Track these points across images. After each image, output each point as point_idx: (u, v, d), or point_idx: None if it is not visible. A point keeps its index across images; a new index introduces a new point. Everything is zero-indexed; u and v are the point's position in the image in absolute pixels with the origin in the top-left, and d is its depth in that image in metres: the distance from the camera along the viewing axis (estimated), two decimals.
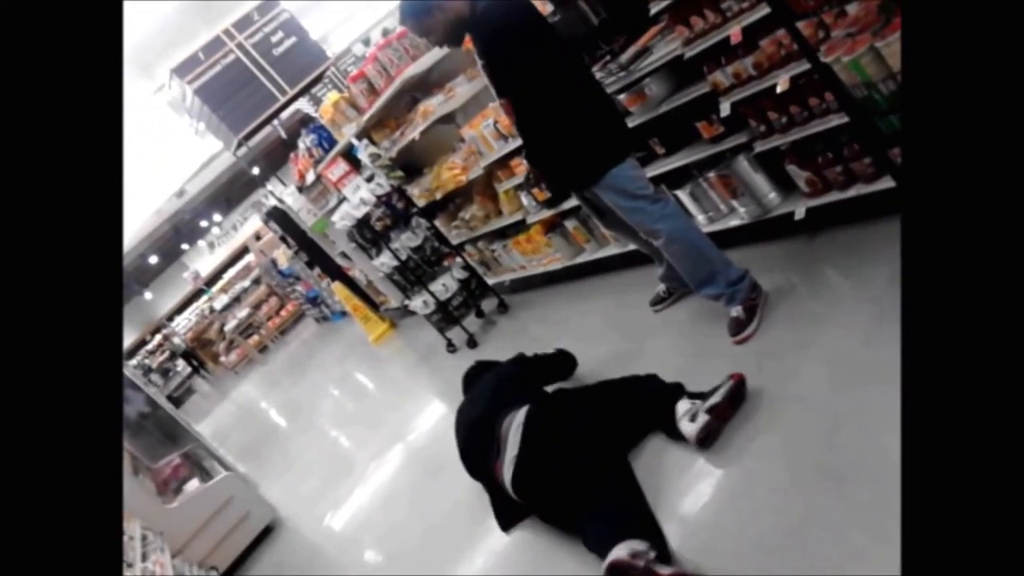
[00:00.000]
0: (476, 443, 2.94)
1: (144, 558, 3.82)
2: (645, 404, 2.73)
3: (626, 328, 3.84)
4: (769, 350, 2.81)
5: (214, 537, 4.68)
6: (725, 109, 3.22)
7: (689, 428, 2.50)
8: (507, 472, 2.70)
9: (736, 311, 2.97)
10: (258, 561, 4.70)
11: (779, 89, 2.91)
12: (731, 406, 2.51)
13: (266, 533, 4.90)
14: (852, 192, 3.01)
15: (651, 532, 2.25)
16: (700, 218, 3.84)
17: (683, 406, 2.57)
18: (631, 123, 3.73)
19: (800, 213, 3.23)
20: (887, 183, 2.84)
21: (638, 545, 2.12)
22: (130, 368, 7.70)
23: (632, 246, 3.76)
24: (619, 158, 2.94)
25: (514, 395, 2.96)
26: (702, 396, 2.57)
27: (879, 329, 2.40)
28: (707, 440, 2.48)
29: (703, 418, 2.48)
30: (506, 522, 2.91)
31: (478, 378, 3.43)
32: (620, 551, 2.11)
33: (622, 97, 3.63)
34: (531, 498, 2.73)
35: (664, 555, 2.15)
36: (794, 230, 3.33)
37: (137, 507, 4.46)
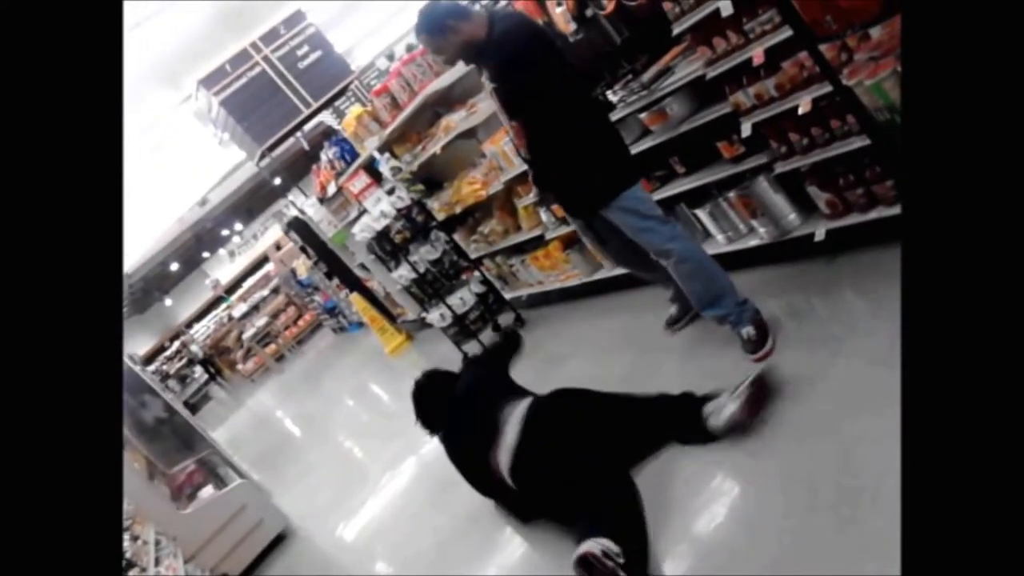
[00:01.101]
0: (474, 438, 2.92)
1: (157, 563, 3.85)
2: (659, 414, 2.70)
3: (642, 345, 3.83)
4: (786, 372, 2.80)
5: (227, 544, 4.70)
6: (746, 129, 3.23)
7: (718, 420, 2.50)
8: (504, 459, 2.71)
9: (747, 332, 2.98)
10: (269, 569, 4.72)
11: (801, 111, 2.92)
12: (760, 397, 2.50)
13: (278, 541, 4.91)
14: (873, 215, 3.00)
15: (633, 543, 2.23)
16: (719, 237, 3.83)
17: (709, 407, 2.56)
18: (652, 142, 3.75)
19: (820, 235, 3.22)
20: None
21: (613, 546, 2.11)
22: (148, 374, 7.76)
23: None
24: (631, 181, 3.00)
25: (506, 389, 2.99)
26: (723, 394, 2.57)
27: (898, 352, 2.38)
28: (736, 429, 2.47)
29: (732, 407, 2.47)
30: (522, 515, 2.91)
31: (441, 389, 3.31)
32: (593, 545, 2.10)
33: (643, 116, 3.65)
34: (529, 488, 2.73)
35: (638, 570, 2.14)
36: (814, 252, 3.31)
37: (151, 512, 4.50)
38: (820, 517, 2.05)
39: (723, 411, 2.50)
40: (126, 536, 3.70)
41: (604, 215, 3.04)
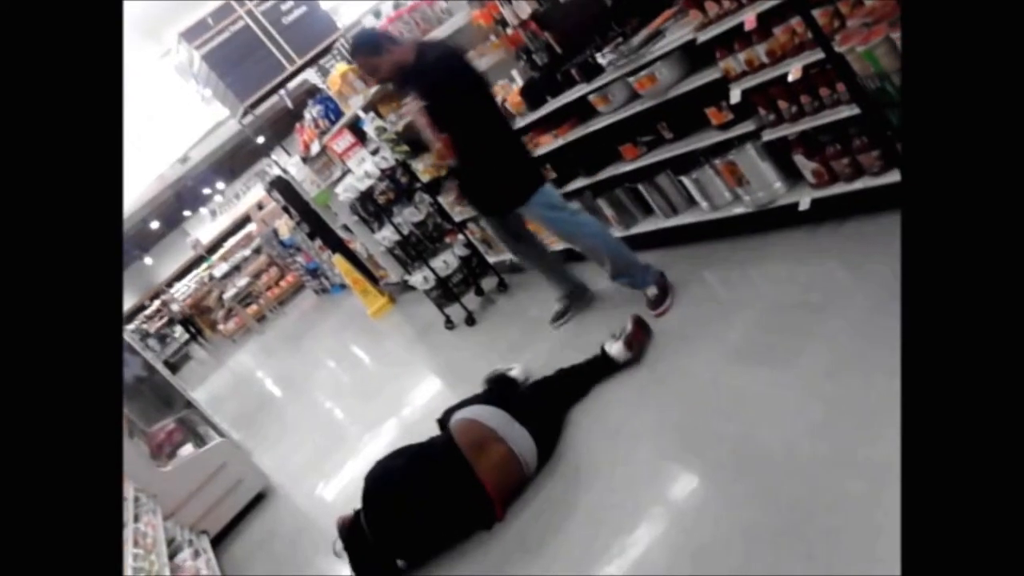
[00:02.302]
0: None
1: (136, 519, 3.85)
2: (580, 373, 3.29)
3: (622, 310, 3.83)
4: (769, 337, 2.82)
5: (206, 502, 4.71)
6: (735, 96, 3.20)
7: (615, 347, 3.20)
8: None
9: (651, 291, 3.54)
10: (249, 527, 4.73)
11: (791, 77, 2.89)
12: (642, 328, 3.27)
13: (258, 500, 4.93)
14: (859, 184, 3.00)
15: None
16: (704, 205, 3.83)
17: (607, 345, 3.24)
18: (640, 106, 3.72)
19: (805, 204, 3.22)
20: (894, 176, 2.83)
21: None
22: (128, 332, 7.70)
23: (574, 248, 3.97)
24: (543, 181, 3.56)
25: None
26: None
27: (878, 321, 2.40)
28: (631, 346, 3.19)
29: (623, 337, 3.20)
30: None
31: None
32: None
33: (632, 80, 3.61)
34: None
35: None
36: (798, 220, 3.32)
37: (131, 469, 4.48)
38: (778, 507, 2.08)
39: (615, 345, 3.20)
40: None
41: (523, 211, 3.54)
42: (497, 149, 3.48)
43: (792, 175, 3.37)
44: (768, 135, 3.25)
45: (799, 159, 3.20)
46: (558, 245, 4.50)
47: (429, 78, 3.34)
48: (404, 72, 3.38)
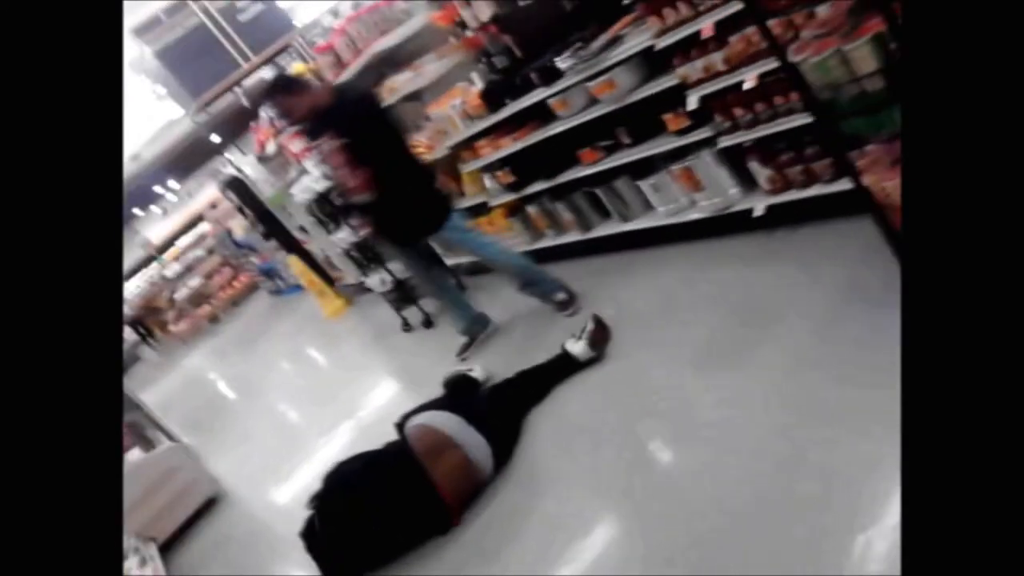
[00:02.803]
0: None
1: None
2: (542, 373, 3.32)
3: (582, 314, 3.85)
4: (726, 340, 2.86)
5: (154, 508, 4.58)
6: (693, 102, 3.24)
7: (578, 346, 3.24)
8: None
9: (559, 296, 3.85)
10: (200, 533, 4.62)
11: (747, 85, 2.94)
12: (602, 327, 3.30)
13: (209, 505, 4.82)
14: (812, 191, 3.06)
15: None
16: (661, 210, 3.86)
17: (569, 345, 3.28)
18: (599, 111, 3.74)
19: (760, 210, 3.27)
20: (846, 184, 2.88)
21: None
22: None
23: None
24: (452, 209, 3.82)
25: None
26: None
27: (831, 326, 2.46)
28: (595, 344, 3.23)
29: (585, 336, 3.24)
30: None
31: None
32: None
33: (591, 85, 3.63)
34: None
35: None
36: (753, 226, 3.37)
37: None
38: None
39: (578, 344, 3.24)
40: None
41: (439, 236, 3.79)
42: (413, 182, 3.70)
43: (747, 181, 3.43)
44: (724, 142, 3.29)
45: (754, 166, 3.26)
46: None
47: (350, 114, 3.50)
48: (320, 114, 3.47)
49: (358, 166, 3.45)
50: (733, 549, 1.95)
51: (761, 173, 3.23)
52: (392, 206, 3.63)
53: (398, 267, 5.35)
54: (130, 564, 3.79)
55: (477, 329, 4.21)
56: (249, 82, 8.12)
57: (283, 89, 3.53)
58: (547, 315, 4.13)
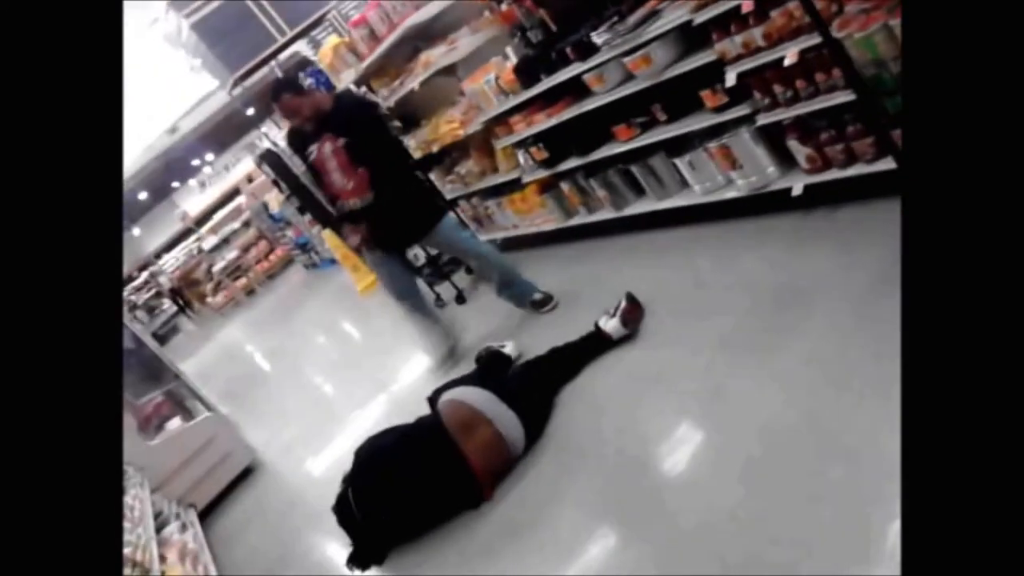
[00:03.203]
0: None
1: (124, 492, 3.85)
2: (573, 351, 3.31)
3: (612, 292, 3.84)
4: (760, 322, 2.83)
5: (194, 476, 4.71)
6: (731, 79, 3.18)
7: (611, 323, 3.25)
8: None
9: (536, 296, 4.01)
10: (237, 501, 4.74)
11: (787, 62, 2.88)
12: (636, 304, 3.30)
13: (246, 474, 4.93)
14: (852, 171, 3.00)
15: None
16: (697, 188, 3.82)
17: (602, 322, 3.29)
18: (635, 87, 3.70)
19: (798, 189, 3.22)
20: (888, 164, 2.82)
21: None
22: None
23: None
24: (446, 210, 3.99)
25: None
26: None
27: (870, 307, 2.42)
28: (627, 323, 3.24)
29: (619, 314, 3.24)
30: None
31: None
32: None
33: (627, 60, 3.58)
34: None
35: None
36: (790, 206, 3.32)
37: None
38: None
39: (611, 321, 3.25)
40: None
41: (435, 234, 3.84)
42: (409, 182, 3.89)
43: (786, 160, 3.37)
44: (763, 119, 3.23)
45: (793, 144, 3.19)
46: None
47: (351, 116, 3.65)
48: (322, 116, 3.57)
49: (357, 166, 3.57)
50: (760, 530, 1.94)
51: (800, 152, 3.17)
52: (389, 207, 3.68)
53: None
54: (171, 529, 3.90)
55: (453, 342, 4.25)
56: (284, 56, 8.15)
57: (289, 90, 3.60)
58: (580, 294, 4.12)
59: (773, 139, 3.36)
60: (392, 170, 3.73)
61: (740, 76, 3.16)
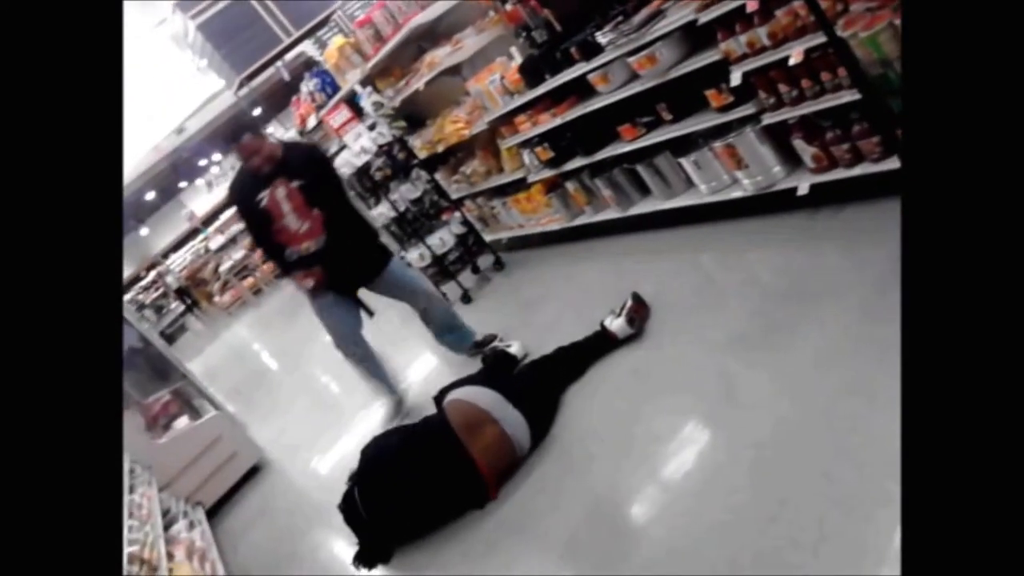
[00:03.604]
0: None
1: (131, 490, 3.87)
2: (577, 351, 3.32)
3: (617, 292, 3.84)
4: (766, 322, 2.83)
5: (201, 474, 4.73)
6: (736, 78, 3.18)
7: (616, 323, 3.25)
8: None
9: (476, 337, 4.10)
10: (244, 499, 4.77)
11: (792, 61, 2.87)
12: (642, 304, 3.31)
13: (252, 473, 4.96)
14: (858, 171, 2.99)
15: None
16: (702, 188, 3.82)
17: (607, 322, 3.29)
18: (640, 87, 3.70)
19: (804, 189, 3.21)
20: (894, 163, 2.82)
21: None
22: (124, 303, 7.69)
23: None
24: (392, 253, 4.01)
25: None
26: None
27: (876, 306, 2.41)
28: (633, 322, 3.24)
29: (625, 314, 3.25)
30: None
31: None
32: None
33: (632, 60, 3.58)
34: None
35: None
36: (796, 205, 3.31)
37: (126, 441, 4.48)
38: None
39: (617, 321, 3.27)
40: None
41: (386, 274, 3.89)
42: (360, 225, 3.94)
43: (791, 160, 3.36)
44: (768, 119, 3.23)
45: (798, 143, 3.19)
46: None
47: (304, 160, 3.72)
48: (276, 162, 3.59)
49: (312, 209, 3.61)
50: (767, 531, 1.94)
51: (806, 151, 3.17)
52: (342, 249, 3.72)
53: (436, 242, 5.39)
54: (179, 527, 3.92)
55: (391, 394, 4.21)
56: (290, 56, 8.18)
57: (250, 132, 3.60)
58: (586, 294, 4.13)
59: (778, 138, 3.35)
60: (344, 213, 3.79)
61: (745, 75, 3.15)
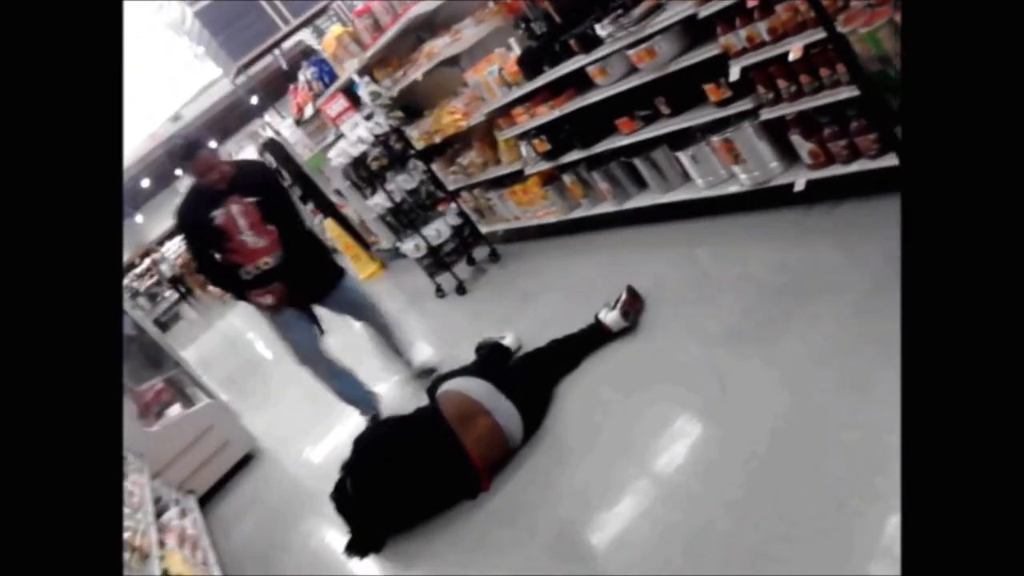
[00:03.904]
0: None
1: (124, 477, 3.86)
2: (571, 344, 3.32)
3: (613, 285, 3.84)
4: (759, 317, 2.83)
5: (193, 462, 4.73)
6: (735, 73, 3.18)
7: (611, 316, 3.26)
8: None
9: (422, 365, 4.25)
10: (236, 488, 4.77)
11: (791, 57, 2.87)
12: (636, 297, 3.32)
13: (245, 462, 4.96)
14: (855, 167, 2.99)
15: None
16: (699, 182, 3.81)
17: (602, 314, 3.30)
18: (638, 80, 3.69)
19: (800, 184, 3.21)
20: (891, 160, 2.82)
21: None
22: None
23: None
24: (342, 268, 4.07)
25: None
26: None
27: (871, 303, 2.42)
28: (628, 315, 3.25)
29: (619, 307, 3.26)
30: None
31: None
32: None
33: (631, 53, 3.57)
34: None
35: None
36: (792, 201, 3.31)
37: None
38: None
39: (612, 314, 3.27)
40: None
41: (340, 288, 3.94)
42: (313, 240, 4.01)
43: (789, 155, 3.36)
44: (766, 114, 3.23)
45: (796, 139, 3.19)
46: None
47: (258, 177, 3.79)
48: (228, 180, 3.55)
49: (267, 224, 3.60)
50: (760, 526, 1.95)
51: (803, 147, 3.17)
52: (298, 264, 3.73)
53: (432, 233, 5.38)
54: (171, 515, 3.92)
55: (365, 408, 4.17)
56: (287, 44, 8.14)
57: (203, 148, 3.57)
58: (581, 287, 4.12)
59: (776, 134, 3.35)
60: (298, 229, 3.81)
61: (744, 70, 3.15)
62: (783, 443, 2.16)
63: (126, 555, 2.93)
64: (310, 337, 3.95)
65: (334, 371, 4.11)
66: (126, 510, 3.41)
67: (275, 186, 3.86)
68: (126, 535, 3.07)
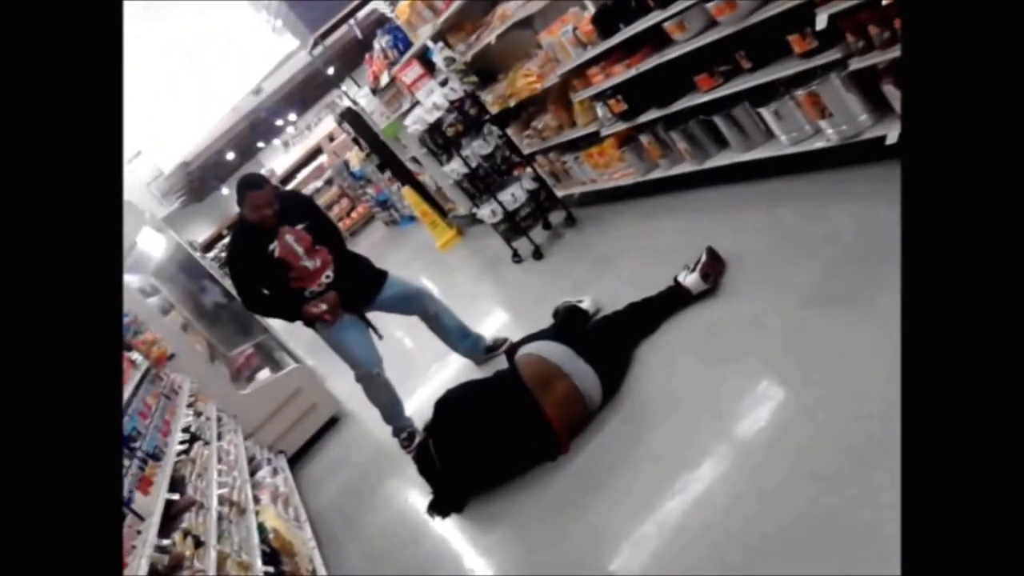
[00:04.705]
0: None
1: (220, 437, 4.07)
2: (651, 300, 3.31)
3: (692, 247, 3.77)
4: (847, 279, 2.73)
5: (283, 424, 4.94)
6: (821, 21, 3.02)
7: (691, 278, 3.21)
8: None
9: (488, 342, 4.29)
10: (324, 449, 4.95)
11: (885, 0, 2.70)
12: (716, 259, 3.26)
13: (332, 424, 5.14)
14: None
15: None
16: (783, 139, 3.67)
17: (681, 276, 3.26)
18: (718, 34, 3.57)
19: (893, 137, 3.05)
20: None
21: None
22: (208, 261, 7.97)
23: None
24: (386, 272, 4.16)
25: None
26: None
27: None
28: (708, 277, 3.19)
29: (699, 269, 3.20)
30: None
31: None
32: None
33: (710, 5, 3.44)
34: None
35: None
36: (884, 155, 3.15)
37: (213, 391, 4.72)
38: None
39: (691, 276, 3.23)
40: (190, 412, 3.90)
41: (387, 289, 4.07)
42: (354, 253, 4.13)
43: (880, 107, 3.19)
44: (856, 64, 3.06)
45: (889, 89, 3.02)
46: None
47: (301, 205, 3.98)
48: (277, 211, 3.68)
49: (317, 246, 3.79)
50: (855, 497, 1.90)
51: (897, 97, 3.00)
52: (350, 276, 3.93)
53: (508, 198, 5.38)
54: (263, 473, 4.11)
55: (403, 428, 4.12)
56: (362, 14, 8.20)
57: (266, 184, 3.71)
58: (659, 249, 4.05)
59: (866, 85, 3.18)
60: (341, 242, 4.02)
61: (832, 18, 2.99)
62: (871, 405, 2.08)
63: (224, 509, 3.09)
64: (368, 341, 4.07)
65: (392, 395, 4.16)
66: (223, 467, 3.59)
67: (316, 209, 4.05)
68: (224, 491, 3.24)
